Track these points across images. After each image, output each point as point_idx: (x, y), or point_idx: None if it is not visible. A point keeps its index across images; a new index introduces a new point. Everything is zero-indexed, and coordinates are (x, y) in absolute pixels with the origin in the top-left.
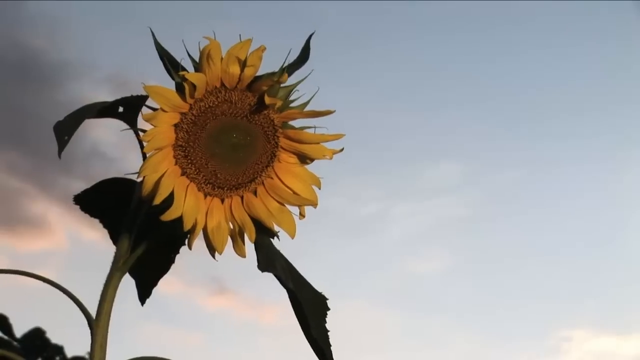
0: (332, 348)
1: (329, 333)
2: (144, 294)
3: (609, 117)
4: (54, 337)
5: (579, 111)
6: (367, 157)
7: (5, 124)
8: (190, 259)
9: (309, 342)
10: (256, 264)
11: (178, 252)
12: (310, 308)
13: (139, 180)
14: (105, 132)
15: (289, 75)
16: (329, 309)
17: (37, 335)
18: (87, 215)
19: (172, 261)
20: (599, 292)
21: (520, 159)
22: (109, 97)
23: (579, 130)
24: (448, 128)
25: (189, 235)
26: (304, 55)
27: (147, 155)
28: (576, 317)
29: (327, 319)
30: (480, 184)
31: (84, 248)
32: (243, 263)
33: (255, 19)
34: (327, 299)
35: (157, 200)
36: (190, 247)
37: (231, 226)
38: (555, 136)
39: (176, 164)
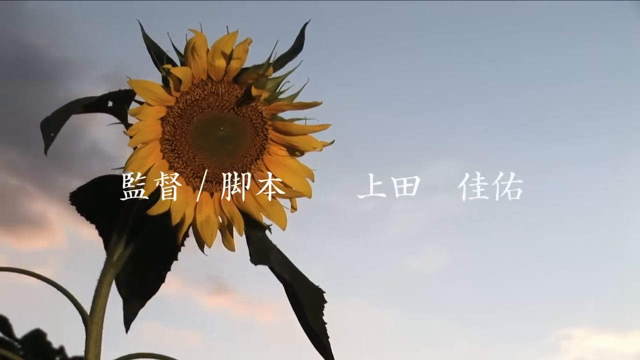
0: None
1: (326, 325)
2: (129, 317)
3: (609, 117)
4: (53, 336)
5: (579, 111)
6: (366, 155)
7: (5, 122)
8: (187, 257)
9: (307, 334)
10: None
11: (169, 269)
12: (307, 300)
13: (125, 174)
14: (105, 130)
15: (282, 66)
16: (325, 302)
17: (37, 337)
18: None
19: (163, 280)
20: (599, 291)
21: (520, 158)
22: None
23: (579, 130)
24: (448, 126)
25: (176, 230)
26: (298, 45)
27: (134, 149)
28: (576, 316)
29: (324, 312)
30: (480, 183)
31: (83, 247)
32: (241, 262)
33: (253, 17)
34: (324, 292)
35: (144, 194)
36: (179, 241)
37: (220, 220)
38: (555, 136)
39: (163, 158)
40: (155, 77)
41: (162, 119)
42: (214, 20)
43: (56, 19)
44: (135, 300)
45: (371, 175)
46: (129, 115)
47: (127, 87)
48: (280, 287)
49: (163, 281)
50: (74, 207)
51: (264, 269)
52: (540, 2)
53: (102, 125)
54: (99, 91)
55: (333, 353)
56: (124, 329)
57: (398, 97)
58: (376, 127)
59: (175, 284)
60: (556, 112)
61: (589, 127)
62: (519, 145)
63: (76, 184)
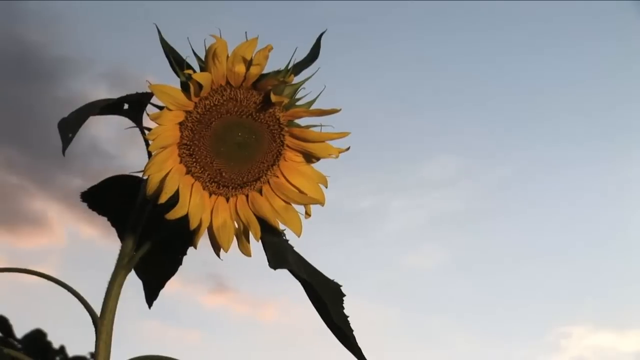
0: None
1: (348, 318)
2: (151, 297)
3: (609, 117)
4: (53, 336)
5: (579, 110)
6: (364, 152)
7: (4, 120)
8: (189, 256)
9: (331, 329)
10: (256, 261)
11: (185, 253)
12: (327, 296)
13: (144, 178)
14: (105, 128)
15: (298, 73)
16: (344, 295)
17: (37, 336)
18: (86, 212)
19: (180, 262)
20: (598, 290)
21: (520, 158)
22: (108, 92)
23: (579, 129)
24: (448, 126)
25: (194, 234)
26: (314, 53)
27: (152, 153)
28: (575, 314)
29: (344, 305)
30: (480, 181)
31: (82, 245)
32: (242, 261)
33: (261, 18)
34: (340, 286)
35: (162, 199)
36: (195, 246)
37: (236, 225)
38: (555, 135)
39: (181, 162)
40: (157, 76)
41: (181, 124)
42: (217, 18)
43: (56, 17)
44: (155, 283)
45: (371, 174)
46: (144, 119)
47: (129, 85)
48: (280, 286)
49: (180, 264)
50: (73, 205)
51: (265, 268)
52: (540, 2)
53: (102, 124)
54: (98, 88)
55: (359, 345)
56: (126, 326)
57: (398, 97)
58: (376, 126)
59: (175, 282)
60: (556, 111)
61: (589, 126)
62: (519, 145)
63: (76, 182)
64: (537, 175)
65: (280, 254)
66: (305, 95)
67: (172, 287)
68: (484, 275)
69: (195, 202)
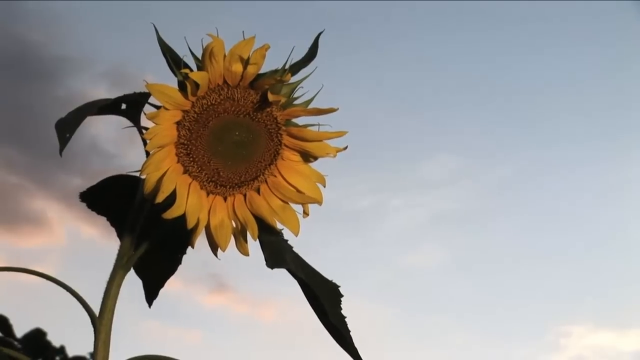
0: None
1: (345, 319)
2: (151, 296)
3: (609, 117)
4: (53, 335)
5: (579, 110)
6: (363, 152)
7: (4, 119)
8: (188, 256)
9: (327, 329)
10: (256, 261)
11: (185, 252)
12: (325, 296)
13: (142, 177)
14: (105, 128)
15: (296, 72)
16: (342, 296)
17: (37, 336)
18: (85, 212)
19: (179, 261)
20: (598, 289)
21: (520, 158)
22: (108, 92)
23: (579, 129)
24: (447, 123)
25: (191, 234)
26: (312, 52)
27: (150, 153)
28: (575, 314)
29: (341, 306)
30: (480, 181)
31: (82, 245)
32: (242, 260)
33: (259, 17)
34: (338, 286)
35: (159, 198)
36: (192, 246)
37: (234, 224)
38: (555, 135)
39: (178, 161)
40: (157, 76)
41: (178, 123)
42: (215, 18)
43: (56, 17)
44: (154, 282)
45: (370, 174)
46: (142, 119)
47: (129, 85)
48: (279, 286)
49: (180, 263)
50: (73, 205)
51: (265, 268)
52: (540, 2)
53: (102, 123)
54: (98, 88)
55: (355, 345)
56: (126, 326)
57: (398, 97)
58: (376, 125)
59: (175, 282)
60: (556, 111)
61: (589, 126)
62: (519, 145)
63: (75, 181)
64: (537, 175)
65: (278, 254)
66: (303, 95)
67: (172, 287)
68: (484, 275)
69: (192, 202)
